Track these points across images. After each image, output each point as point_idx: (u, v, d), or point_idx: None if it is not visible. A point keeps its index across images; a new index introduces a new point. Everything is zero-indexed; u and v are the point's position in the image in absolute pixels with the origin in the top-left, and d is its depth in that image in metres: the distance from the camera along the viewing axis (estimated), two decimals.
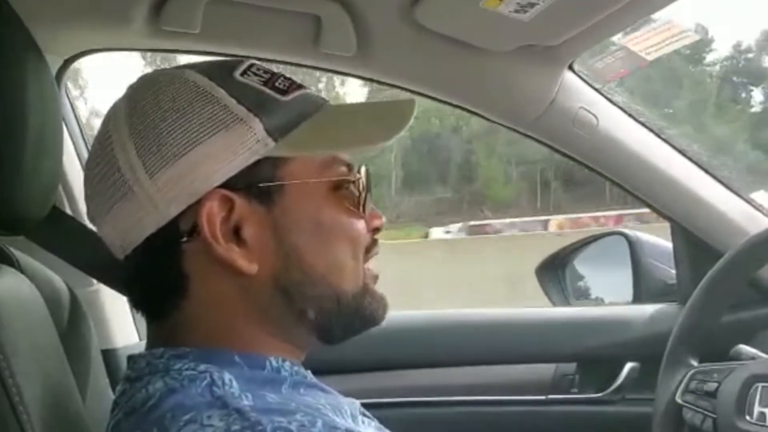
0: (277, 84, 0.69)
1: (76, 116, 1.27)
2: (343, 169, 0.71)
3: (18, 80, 0.76)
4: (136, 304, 0.72)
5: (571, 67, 1.22)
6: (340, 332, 0.72)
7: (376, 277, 0.74)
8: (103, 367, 0.99)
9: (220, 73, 0.68)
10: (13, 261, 0.87)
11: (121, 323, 1.24)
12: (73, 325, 0.91)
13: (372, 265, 0.74)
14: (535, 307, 1.66)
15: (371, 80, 1.23)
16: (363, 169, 0.72)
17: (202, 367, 0.63)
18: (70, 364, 0.85)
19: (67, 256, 0.94)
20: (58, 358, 0.83)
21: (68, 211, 1.16)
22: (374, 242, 0.74)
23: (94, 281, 1.15)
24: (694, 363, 1.11)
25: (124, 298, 1.11)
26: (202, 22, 1.03)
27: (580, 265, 1.75)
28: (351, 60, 1.14)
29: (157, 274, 0.67)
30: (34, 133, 0.78)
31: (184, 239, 0.65)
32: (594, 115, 1.25)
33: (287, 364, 0.68)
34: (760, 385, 0.96)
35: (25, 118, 0.76)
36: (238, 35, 1.11)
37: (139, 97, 0.67)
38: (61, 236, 0.93)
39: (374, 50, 1.13)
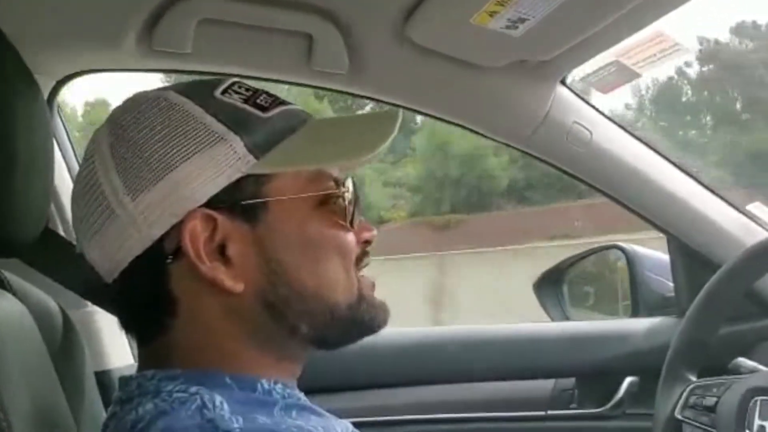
0: (258, 101, 0.69)
1: (68, 136, 1.27)
2: (330, 183, 0.70)
3: (7, 102, 0.76)
4: (126, 326, 0.72)
5: (563, 82, 1.23)
6: (337, 340, 0.72)
7: (373, 285, 0.74)
8: (96, 389, 0.99)
9: (201, 92, 0.68)
10: (5, 283, 0.86)
11: (115, 344, 1.24)
12: (65, 347, 0.90)
13: (367, 272, 0.74)
14: (533, 322, 1.65)
15: (364, 97, 1.23)
16: (350, 182, 0.72)
17: (193, 389, 0.62)
18: (63, 387, 0.85)
19: (60, 278, 0.94)
20: (50, 381, 0.83)
21: (61, 232, 1.16)
22: (365, 253, 0.74)
23: (88, 302, 1.14)
24: (693, 378, 1.11)
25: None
26: (193, 42, 1.03)
27: (578, 279, 1.75)
28: (343, 77, 1.14)
29: (144, 296, 0.67)
30: (24, 156, 0.78)
31: (169, 260, 0.65)
32: (588, 129, 1.26)
33: (279, 386, 0.67)
34: (759, 398, 0.96)
35: (14, 140, 0.76)
36: (229, 55, 1.12)
37: (121, 120, 0.67)
38: (54, 258, 0.92)
39: (366, 67, 1.13)
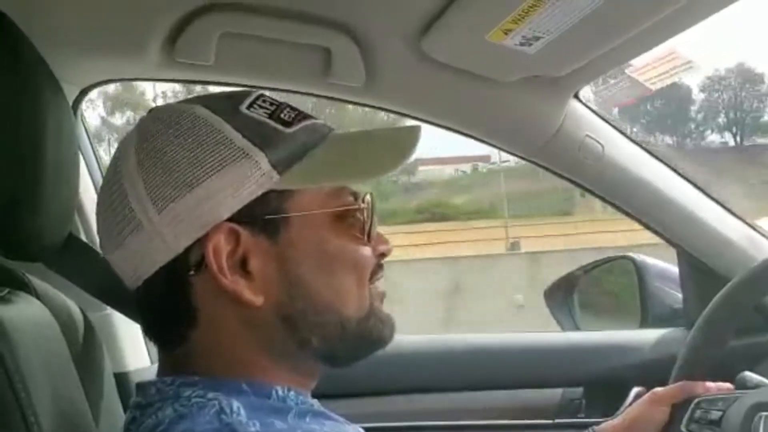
0: (282, 116, 0.70)
1: (91, 145, 1.29)
2: (350, 198, 0.72)
3: (35, 110, 0.78)
4: (147, 332, 0.74)
5: (576, 96, 1.24)
6: (346, 357, 0.73)
7: (382, 295, 0.75)
8: (115, 390, 1.00)
9: (227, 107, 0.69)
10: (29, 287, 0.88)
11: (133, 347, 1.26)
12: (86, 349, 0.92)
13: (379, 283, 0.75)
14: (542, 331, 1.66)
15: (380, 108, 1.25)
16: (368, 197, 0.73)
17: (211, 394, 0.64)
18: (84, 388, 0.86)
19: (82, 283, 0.96)
20: (72, 381, 0.84)
21: (83, 237, 1.18)
22: (380, 267, 0.75)
23: (107, 306, 1.16)
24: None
25: (136, 323, 1.13)
26: (215, 54, 1.05)
27: (588, 289, 1.75)
28: (360, 90, 1.16)
29: (166, 306, 0.69)
30: (51, 162, 0.80)
31: (192, 272, 0.66)
32: (600, 142, 1.27)
33: (293, 393, 0.69)
34: (764, 414, 0.96)
35: (42, 147, 0.78)
36: (250, 67, 1.13)
37: (148, 132, 0.69)
38: (76, 263, 0.94)
39: (382, 80, 1.14)
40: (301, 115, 0.72)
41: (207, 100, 0.70)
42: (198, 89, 1.28)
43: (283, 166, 0.67)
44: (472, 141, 1.27)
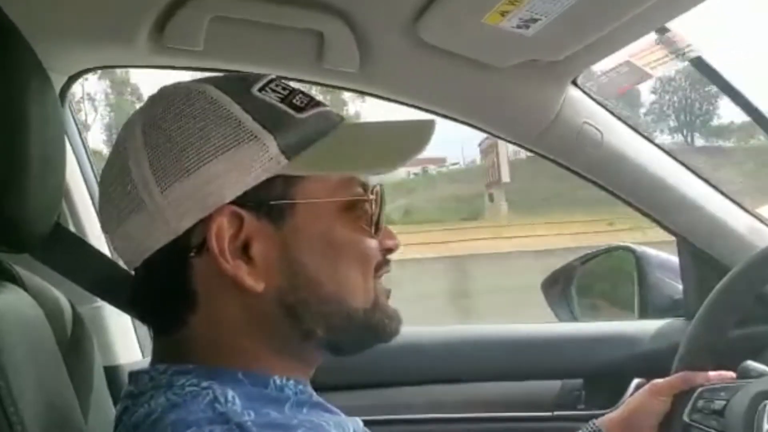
0: (294, 101, 0.69)
1: (79, 132, 1.28)
2: (358, 189, 0.71)
3: (22, 98, 0.77)
4: (143, 317, 0.72)
5: (575, 82, 1.23)
6: (351, 347, 0.73)
7: (388, 292, 0.74)
8: (105, 384, 0.99)
9: (238, 88, 0.68)
10: (16, 278, 0.87)
11: (124, 340, 1.25)
12: (75, 342, 0.91)
13: (384, 280, 0.74)
14: (542, 322, 1.65)
15: (375, 96, 1.23)
16: (377, 189, 0.72)
17: (205, 383, 0.63)
18: (72, 382, 0.85)
19: (70, 274, 0.94)
20: (59, 375, 0.83)
21: (71, 227, 1.17)
22: (386, 261, 0.74)
23: (97, 298, 1.15)
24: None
25: (127, 315, 1.12)
26: (205, 40, 1.04)
27: (587, 280, 1.74)
28: (354, 76, 1.14)
29: (165, 288, 0.68)
30: (38, 151, 0.78)
31: (192, 254, 0.65)
32: (599, 129, 1.26)
33: (291, 383, 0.68)
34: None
35: (28, 136, 0.77)
36: (241, 52, 1.12)
37: (156, 110, 0.67)
38: (64, 253, 0.93)
39: (377, 66, 1.13)
40: (314, 102, 0.71)
41: (218, 81, 0.69)
42: (176, 76, 1.25)
43: (292, 151, 0.66)
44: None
